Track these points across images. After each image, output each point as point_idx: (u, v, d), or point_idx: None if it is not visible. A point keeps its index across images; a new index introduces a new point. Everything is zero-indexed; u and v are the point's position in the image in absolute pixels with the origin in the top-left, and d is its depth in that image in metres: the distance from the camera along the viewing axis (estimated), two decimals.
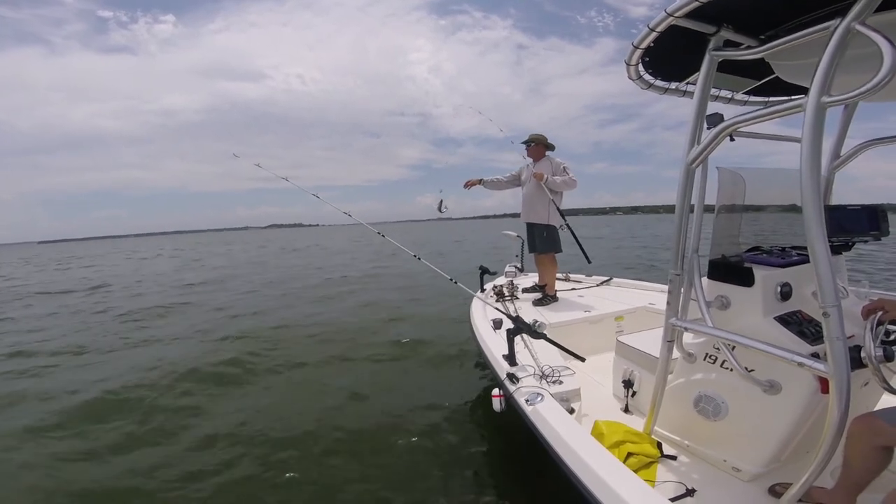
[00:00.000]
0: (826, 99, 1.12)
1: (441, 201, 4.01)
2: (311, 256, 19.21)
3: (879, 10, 1.13)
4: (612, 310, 3.34)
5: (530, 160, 3.88)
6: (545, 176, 3.65)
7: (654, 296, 3.58)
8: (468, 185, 4.10)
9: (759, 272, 1.62)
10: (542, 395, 1.85)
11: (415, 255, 2.93)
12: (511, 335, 2.21)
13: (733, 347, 1.53)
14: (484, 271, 4.06)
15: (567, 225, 3.80)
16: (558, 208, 3.74)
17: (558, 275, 4.20)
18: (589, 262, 4.10)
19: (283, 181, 3.40)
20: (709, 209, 1.71)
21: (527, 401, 1.85)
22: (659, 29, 1.44)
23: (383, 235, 3.12)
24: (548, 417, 1.69)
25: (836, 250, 1.81)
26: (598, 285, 4.30)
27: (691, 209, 1.65)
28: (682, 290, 1.66)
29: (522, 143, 3.90)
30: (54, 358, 5.10)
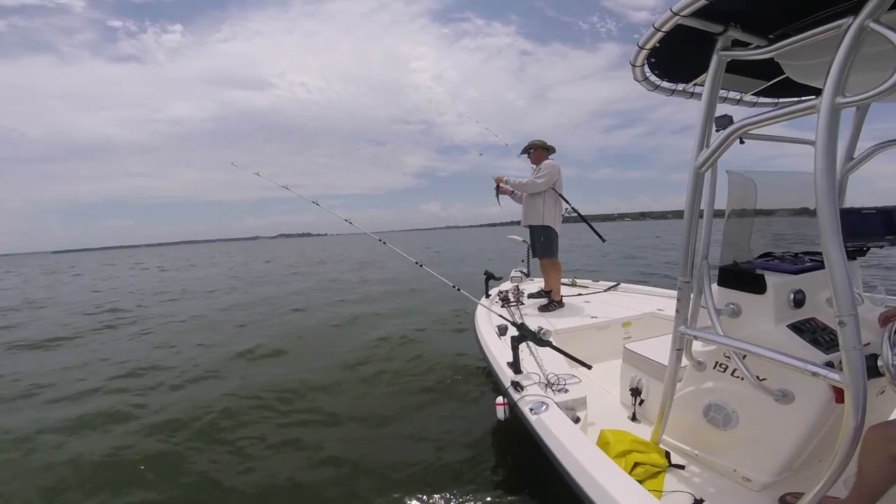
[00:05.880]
0: (840, 100, 1.08)
1: (498, 197, 4.21)
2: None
3: (894, 6, 1.09)
4: (620, 316, 3.29)
5: (534, 166, 3.90)
6: (504, 178, 3.90)
7: (663, 301, 3.53)
8: (497, 180, 4.05)
9: (771, 279, 1.57)
10: (547, 405, 1.82)
11: (417, 262, 2.91)
12: (516, 342, 2.18)
13: (744, 356, 1.48)
14: (489, 276, 4.02)
15: (573, 209, 3.85)
16: (563, 198, 3.75)
17: (564, 280, 4.16)
18: (603, 240, 4.08)
19: (288, 190, 3.45)
20: (718, 214, 1.67)
21: (531, 409, 1.82)
22: (664, 29, 1.41)
23: (385, 242, 3.16)
24: (552, 427, 1.66)
25: (850, 255, 1.75)
26: (605, 290, 4.25)
27: (700, 214, 1.61)
28: (692, 297, 1.62)
29: (522, 152, 3.94)
30: None
